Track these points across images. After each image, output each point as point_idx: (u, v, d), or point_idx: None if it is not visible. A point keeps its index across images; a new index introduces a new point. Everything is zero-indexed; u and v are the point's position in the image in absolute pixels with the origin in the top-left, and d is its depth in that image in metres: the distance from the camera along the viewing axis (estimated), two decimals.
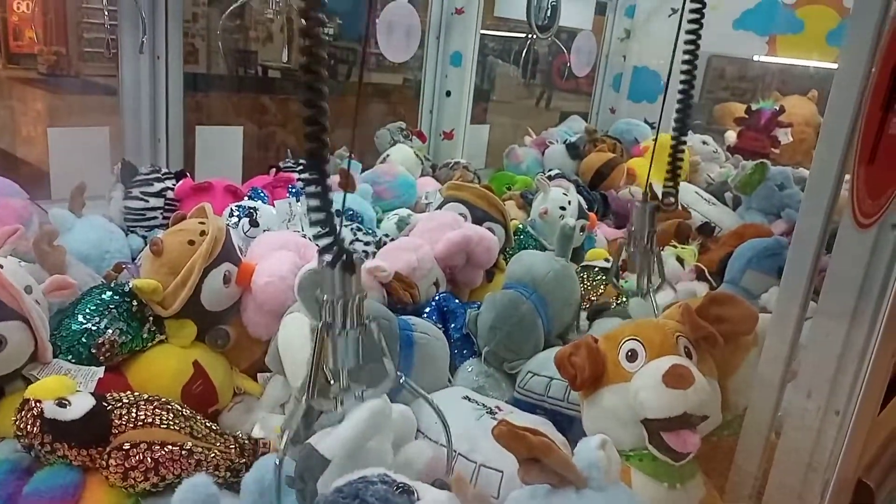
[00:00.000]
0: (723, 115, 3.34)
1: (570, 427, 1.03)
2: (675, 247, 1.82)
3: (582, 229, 1.81)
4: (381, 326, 1.04)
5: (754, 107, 2.71)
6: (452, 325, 1.32)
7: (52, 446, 0.83)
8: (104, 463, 0.84)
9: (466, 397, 1.04)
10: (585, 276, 1.63)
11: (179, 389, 1.06)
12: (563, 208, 1.77)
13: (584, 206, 1.84)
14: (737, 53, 3.05)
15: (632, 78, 3.25)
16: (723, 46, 3.00)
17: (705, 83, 3.52)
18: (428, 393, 1.07)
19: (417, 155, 2.37)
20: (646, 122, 2.98)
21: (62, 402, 0.84)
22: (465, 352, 1.29)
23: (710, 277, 1.66)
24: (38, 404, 0.83)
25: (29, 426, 0.82)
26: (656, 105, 3.19)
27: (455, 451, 0.90)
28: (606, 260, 1.72)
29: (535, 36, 2.68)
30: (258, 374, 1.19)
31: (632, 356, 0.84)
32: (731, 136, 2.78)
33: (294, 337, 1.02)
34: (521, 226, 1.74)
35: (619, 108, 3.30)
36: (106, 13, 1.78)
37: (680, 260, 1.79)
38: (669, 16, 3.01)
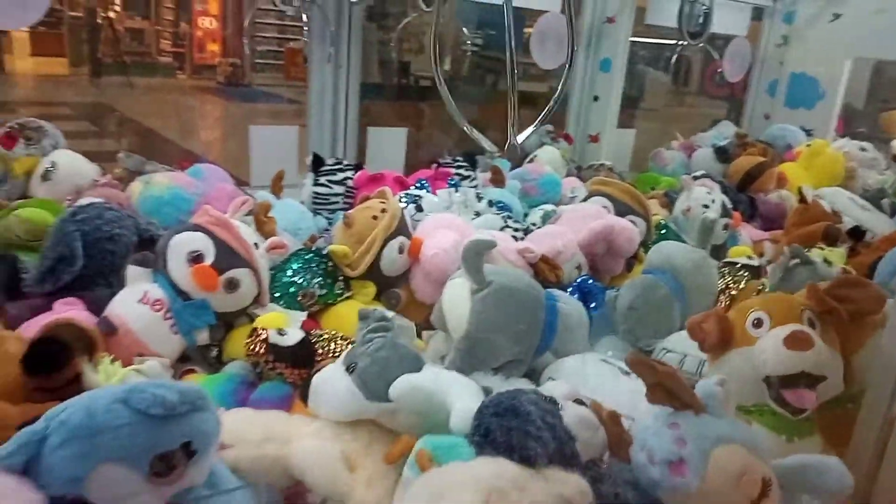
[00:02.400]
0: (890, 123, 3.18)
1: None
2: (822, 248, 1.82)
3: (725, 227, 1.86)
4: (531, 294, 1.21)
5: None
6: (592, 305, 1.45)
7: (273, 365, 1.06)
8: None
9: (604, 360, 1.17)
10: (727, 272, 1.68)
11: None
12: (706, 206, 1.84)
13: (729, 205, 1.90)
14: None
15: (788, 84, 3.18)
16: (892, 52, 2.88)
17: (872, 89, 3.36)
18: (569, 356, 1.23)
19: (563, 156, 2.51)
20: (803, 129, 2.92)
21: (281, 332, 1.07)
22: (602, 329, 1.42)
23: None
24: (264, 332, 1.07)
25: (257, 348, 1.06)
26: (814, 112, 3.10)
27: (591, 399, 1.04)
28: (749, 258, 1.76)
29: (685, 42, 2.73)
30: (423, 333, 1.38)
31: (757, 324, 0.94)
32: None
33: (457, 297, 1.20)
34: (663, 221, 1.83)
35: (775, 114, 3.24)
36: (305, 28, 2.08)
37: (828, 262, 1.80)
38: (831, 21, 2.93)
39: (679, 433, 0.72)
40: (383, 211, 1.33)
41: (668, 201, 2.03)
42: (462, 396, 0.86)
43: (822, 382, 0.89)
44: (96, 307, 1.12)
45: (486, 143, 1.72)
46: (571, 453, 0.71)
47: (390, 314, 1.03)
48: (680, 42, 2.76)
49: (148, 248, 1.22)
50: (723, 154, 2.43)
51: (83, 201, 1.24)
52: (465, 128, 1.71)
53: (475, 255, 1.16)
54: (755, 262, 1.72)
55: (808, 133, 2.84)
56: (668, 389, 0.74)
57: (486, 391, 0.94)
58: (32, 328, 1.05)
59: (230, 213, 1.23)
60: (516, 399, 0.73)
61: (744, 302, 1.00)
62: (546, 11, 2.50)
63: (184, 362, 1.17)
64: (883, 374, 0.92)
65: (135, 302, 1.10)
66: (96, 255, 1.15)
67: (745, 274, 1.66)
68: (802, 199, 2.01)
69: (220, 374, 1.11)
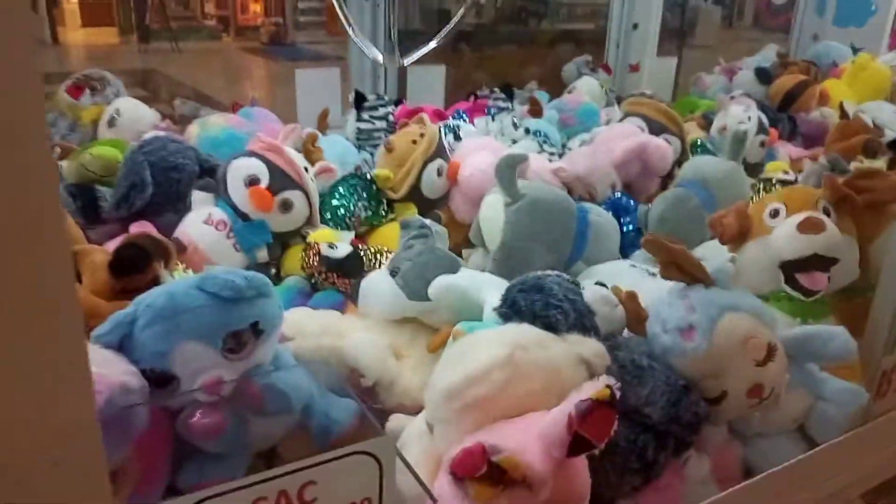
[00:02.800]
0: None
1: None
2: (861, 162, 1.82)
3: (762, 144, 1.88)
4: (563, 206, 1.28)
5: None
6: (626, 220, 1.50)
7: (326, 275, 1.17)
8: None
9: (633, 265, 1.24)
10: (762, 187, 1.71)
11: None
12: (741, 123, 1.85)
13: (766, 122, 1.90)
14: None
15: (838, 1, 3.08)
16: None
17: None
18: (599, 265, 1.30)
19: (602, 87, 2.52)
20: (852, 47, 2.85)
21: (332, 246, 1.18)
22: (635, 244, 1.47)
23: None
24: (317, 245, 1.17)
25: (311, 261, 1.17)
26: (865, 29, 3.01)
27: None
28: (785, 172, 1.78)
29: None
30: (462, 251, 1.47)
31: (774, 214, 0.99)
32: None
33: (492, 211, 1.28)
34: (698, 140, 1.85)
35: (823, 34, 3.15)
36: None
37: None
38: None
39: (689, 303, 0.79)
40: (421, 135, 1.41)
41: (706, 123, 2.04)
42: (495, 292, 0.95)
43: (834, 265, 0.94)
44: (166, 230, 1.24)
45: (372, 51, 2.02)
46: (591, 325, 0.79)
47: (429, 221, 1.12)
48: None
49: (208, 177, 1.33)
50: (764, 75, 2.40)
51: (149, 135, 1.35)
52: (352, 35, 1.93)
53: (508, 169, 1.23)
54: (791, 177, 1.74)
55: (856, 51, 2.76)
56: (679, 266, 0.81)
57: None
58: (110, 247, 1.18)
59: (281, 139, 1.33)
60: (541, 278, 0.81)
61: (763, 198, 1.05)
62: None
63: None
64: None
65: (201, 223, 1.22)
66: (163, 183, 1.26)
67: (780, 188, 1.69)
68: (843, 115, 2.00)
69: (279, 287, 1.22)
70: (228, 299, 0.79)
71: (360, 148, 1.89)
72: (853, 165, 1.78)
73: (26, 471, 0.42)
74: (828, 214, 0.98)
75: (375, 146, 1.89)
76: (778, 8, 3.11)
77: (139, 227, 1.21)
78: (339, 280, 1.17)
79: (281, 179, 1.24)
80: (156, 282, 0.97)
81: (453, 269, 1.02)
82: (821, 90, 2.25)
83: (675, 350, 0.78)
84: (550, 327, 0.74)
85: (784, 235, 0.95)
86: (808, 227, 0.92)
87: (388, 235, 1.40)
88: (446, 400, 0.66)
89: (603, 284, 0.90)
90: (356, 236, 1.36)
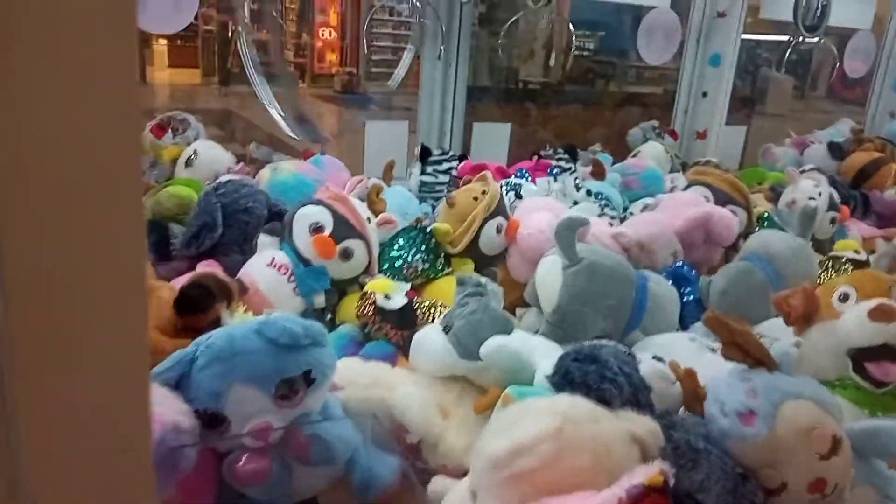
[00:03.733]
0: None
1: None
2: None
3: (833, 221, 1.82)
4: (622, 272, 1.26)
5: None
6: (686, 290, 1.47)
7: (380, 325, 1.18)
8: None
9: (693, 338, 1.21)
10: (831, 265, 1.65)
11: None
12: (811, 199, 1.80)
13: (837, 199, 1.85)
14: None
15: None
16: None
17: None
18: (656, 336, 1.27)
19: (668, 152, 2.50)
20: None
21: (388, 296, 1.19)
22: (695, 315, 1.44)
23: None
24: (373, 295, 1.19)
25: (367, 309, 1.19)
26: None
27: None
28: (856, 252, 1.72)
29: (801, 38, 2.65)
30: (516, 310, 1.46)
31: (844, 298, 0.96)
32: None
33: (549, 272, 1.27)
34: (766, 213, 1.81)
35: None
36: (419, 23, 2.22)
37: None
38: None
39: (750, 386, 0.76)
40: (483, 192, 1.42)
41: (774, 196, 2.00)
42: (547, 357, 0.94)
43: None
44: (231, 270, 1.28)
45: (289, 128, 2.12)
46: (646, 401, 0.77)
47: (484, 280, 1.12)
48: (795, 37, 2.68)
49: (276, 220, 1.37)
50: (837, 150, 2.35)
51: (223, 178, 1.41)
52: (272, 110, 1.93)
53: (568, 231, 1.23)
54: (862, 257, 1.67)
55: None
56: (742, 346, 0.78)
57: None
58: (178, 283, 1.22)
59: (348, 189, 1.36)
60: (596, 348, 0.80)
61: (831, 281, 1.01)
62: (654, 7, 2.52)
63: None
64: None
65: (264, 266, 1.25)
66: (233, 224, 1.31)
67: (849, 267, 1.63)
68: None
69: (333, 334, 1.24)
70: (285, 346, 0.81)
71: (422, 200, 1.92)
72: None
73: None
74: None
75: (437, 199, 1.92)
76: (853, 81, 3.04)
77: (206, 266, 1.25)
78: (392, 331, 1.18)
79: (344, 228, 1.27)
80: (217, 322, 0.99)
81: (507, 330, 1.02)
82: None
83: (733, 435, 0.75)
84: (604, 401, 0.72)
85: (854, 321, 0.91)
86: (880, 314, 0.88)
87: (444, 289, 1.41)
88: (492, 469, 0.65)
89: (660, 359, 0.88)
90: (412, 288, 1.37)
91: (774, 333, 1.28)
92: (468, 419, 0.98)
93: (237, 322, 0.99)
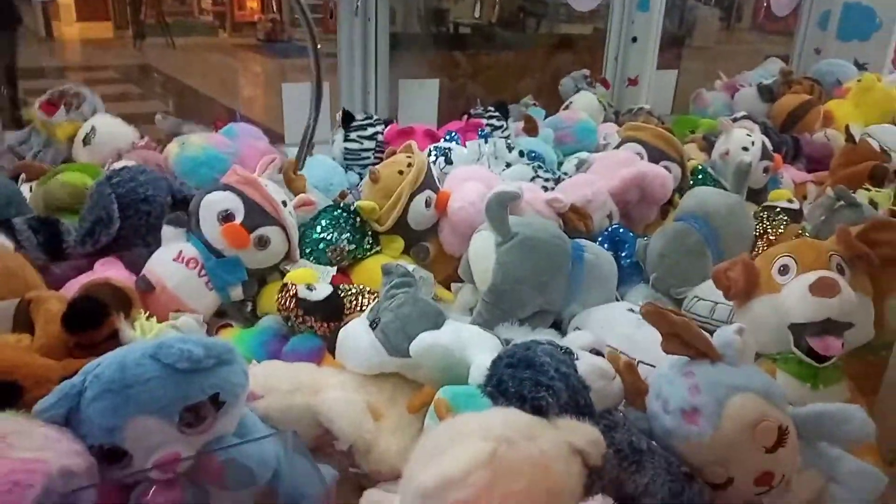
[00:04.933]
0: None
1: None
2: (868, 189, 1.75)
3: (766, 170, 1.81)
4: (556, 245, 1.21)
5: None
6: (623, 254, 1.43)
7: (303, 319, 1.09)
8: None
9: (630, 309, 1.17)
10: (766, 216, 1.64)
11: None
12: (745, 149, 1.78)
13: (770, 147, 1.83)
14: None
15: (841, 15, 3.01)
16: None
17: None
18: (596, 306, 1.23)
19: (601, 101, 2.45)
20: (855, 63, 2.78)
21: (310, 287, 1.10)
22: (633, 278, 1.40)
23: None
24: (293, 287, 1.10)
25: (287, 303, 1.10)
26: (869, 44, 2.94)
27: (617, 350, 1.04)
28: (790, 201, 1.71)
29: None
30: (452, 285, 1.40)
31: (784, 270, 0.92)
32: None
33: (482, 249, 1.21)
34: (700, 166, 1.78)
35: (826, 48, 3.08)
36: None
37: (874, 204, 1.73)
38: None
39: (693, 381, 0.72)
40: (409, 165, 1.33)
41: (707, 145, 1.97)
42: (481, 351, 0.88)
43: (849, 329, 0.87)
44: (134, 266, 1.17)
45: None
46: (585, 403, 0.72)
47: (412, 267, 1.05)
48: None
49: (181, 208, 1.25)
50: (767, 93, 2.34)
51: (117, 165, 1.27)
52: None
53: (499, 207, 1.16)
54: (795, 206, 1.67)
55: (861, 67, 2.70)
56: (683, 338, 0.74)
57: (507, 344, 0.95)
58: (74, 288, 1.10)
59: (258, 171, 1.25)
60: (530, 349, 0.74)
61: (770, 248, 0.98)
62: None
63: (220, 317, 1.21)
64: None
65: (170, 260, 1.14)
66: (132, 216, 1.19)
67: (785, 218, 1.62)
68: (849, 138, 1.93)
69: (254, 328, 1.15)
70: (185, 370, 0.72)
71: (347, 168, 1.82)
72: (860, 193, 1.72)
73: None
74: (841, 272, 0.91)
75: (364, 167, 1.82)
76: (769, 14, 3.03)
77: (105, 266, 1.14)
78: (318, 324, 1.10)
79: (257, 215, 1.16)
80: (115, 335, 0.89)
81: (438, 322, 0.95)
82: (825, 111, 2.19)
83: (677, 434, 0.71)
84: (540, 410, 0.66)
85: (795, 297, 0.88)
86: (821, 289, 0.85)
87: (374, 269, 1.32)
88: (421, 501, 0.59)
89: (599, 352, 0.82)
90: (339, 271, 1.28)
91: (713, 295, 1.26)
92: (402, 420, 0.92)
93: (135, 338, 0.89)
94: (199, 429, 0.74)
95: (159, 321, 1.11)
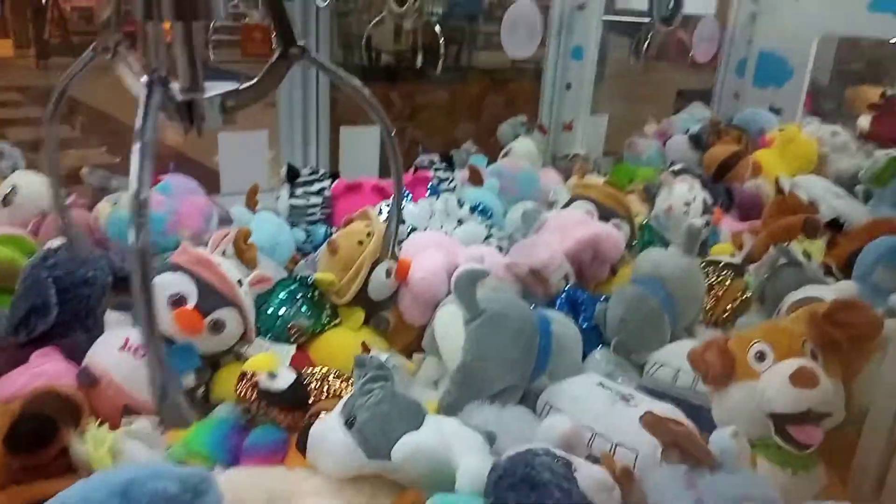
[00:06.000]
0: (855, 99, 3.21)
1: (697, 415, 1.12)
2: (800, 241, 1.83)
3: (707, 223, 1.87)
4: (525, 320, 1.19)
5: (890, 92, 2.62)
6: (582, 317, 1.43)
7: (266, 410, 1.03)
8: (305, 424, 1.03)
9: (601, 384, 1.16)
10: (710, 271, 1.68)
11: (352, 365, 1.24)
12: (687, 204, 1.83)
13: (709, 201, 1.90)
14: (872, 35, 2.93)
15: (757, 62, 3.18)
16: (856, 28, 2.90)
17: (837, 66, 3.39)
18: (564, 378, 1.21)
19: (538, 148, 2.49)
20: (771, 108, 2.94)
21: (272, 375, 1.03)
22: (593, 341, 1.41)
23: (836, 273, 1.68)
24: (253, 376, 1.03)
25: (247, 394, 1.03)
26: (783, 90, 3.11)
27: (593, 430, 1.03)
28: (732, 255, 1.77)
29: (656, 27, 2.70)
30: (412, 355, 1.36)
31: (760, 357, 0.93)
32: (865, 121, 2.68)
33: (449, 326, 1.17)
34: (645, 221, 1.82)
35: (744, 93, 3.24)
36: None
37: (807, 255, 1.81)
38: None
39: (697, 495, 0.71)
40: (369, 234, 1.29)
41: (648, 196, 2.03)
42: (467, 453, 0.85)
43: (828, 418, 0.89)
44: (74, 355, 1.07)
45: None
46: None
47: (385, 357, 1.00)
48: (652, 24, 2.72)
49: (123, 287, 1.16)
50: (697, 141, 2.43)
51: (53, 244, 1.17)
52: None
53: (468, 285, 1.13)
54: (737, 261, 1.72)
55: (777, 112, 2.85)
56: (682, 448, 0.73)
57: (490, 438, 0.93)
58: (9, 385, 1.00)
59: (210, 248, 1.18)
60: (530, 467, 0.71)
61: (744, 333, 0.99)
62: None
63: None
64: (884, 395, 0.92)
65: (116, 350, 1.05)
66: (71, 300, 1.09)
67: (729, 273, 1.67)
68: (780, 190, 2.02)
69: (210, 421, 1.07)
70: None
71: (293, 225, 1.75)
72: (794, 244, 1.80)
73: None
74: (815, 357, 0.93)
75: (311, 223, 1.76)
76: (692, 60, 3.17)
77: (42, 358, 1.03)
78: (281, 415, 1.03)
79: (211, 297, 1.09)
80: (65, 453, 0.80)
81: (417, 420, 0.91)
82: (753, 161, 2.28)
83: None
84: None
85: (775, 387, 0.89)
86: (801, 381, 0.86)
87: (334, 343, 1.28)
88: None
89: (595, 459, 0.80)
90: (297, 348, 1.22)
91: (675, 362, 1.27)
92: None
93: (87, 453, 0.80)
94: None
95: (105, 416, 1.02)
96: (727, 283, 1.65)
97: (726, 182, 2.26)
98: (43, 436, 0.78)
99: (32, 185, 1.60)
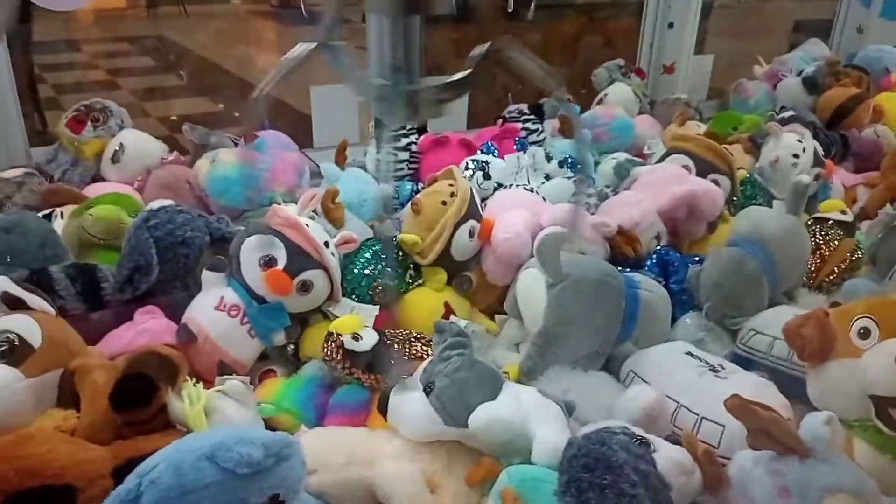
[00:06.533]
0: None
1: (792, 387, 1.06)
2: None
3: (816, 177, 1.73)
4: (610, 285, 1.16)
5: None
6: (673, 279, 1.38)
7: (350, 370, 1.06)
8: (385, 387, 1.06)
9: (689, 353, 1.12)
10: (818, 230, 1.56)
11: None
12: (796, 156, 1.70)
13: (821, 152, 1.75)
14: None
15: None
16: None
17: None
18: (651, 346, 1.18)
19: (635, 93, 2.36)
20: None
21: (356, 336, 1.06)
22: (685, 305, 1.35)
23: None
24: (339, 337, 1.06)
25: (333, 353, 1.06)
26: None
27: (678, 403, 1.00)
28: (843, 212, 1.63)
29: None
30: (495, 316, 1.35)
31: (864, 334, 0.87)
32: None
33: (532, 290, 1.16)
34: (748, 175, 1.71)
35: (869, 26, 2.94)
36: None
37: None
38: None
39: (782, 483, 0.67)
40: (452, 195, 1.28)
41: (754, 146, 1.89)
42: (544, 424, 0.84)
43: None
44: (174, 313, 1.14)
45: None
46: (666, 503, 0.68)
47: (464, 323, 1.00)
48: None
49: (220, 247, 1.22)
50: (812, 84, 2.23)
51: (154, 204, 1.23)
52: None
53: (551, 250, 1.10)
54: (849, 218, 1.59)
55: None
56: (771, 434, 0.69)
57: (569, 408, 0.92)
58: (115, 341, 1.08)
59: (299, 209, 1.20)
60: (605, 445, 0.69)
61: (847, 306, 0.92)
62: None
63: (262, 360, 1.18)
64: None
65: (212, 308, 1.11)
66: (171, 260, 1.16)
67: (839, 232, 1.54)
68: None
69: (298, 378, 1.12)
70: (244, 474, 0.68)
71: (380, 181, 1.76)
72: None
73: None
74: None
75: (398, 178, 1.77)
76: None
77: (145, 315, 1.10)
78: (364, 375, 1.06)
79: (299, 259, 1.12)
80: (164, 410, 0.86)
81: (495, 388, 0.91)
82: (875, 105, 2.08)
83: None
84: None
85: (879, 367, 0.82)
86: None
87: (417, 302, 1.29)
88: None
89: (676, 440, 0.78)
90: (381, 307, 1.24)
91: (771, 329, 1.20)
92: (460, 491, 0.88)
93: (184, 410, 0.86)
94: None
95: (201, 372, 1.09)
96: (835, 242, 1.53)
97: (842, 129, 2.07)
98: (144, 394, 0.84)
99: (139, 143, 1.69)
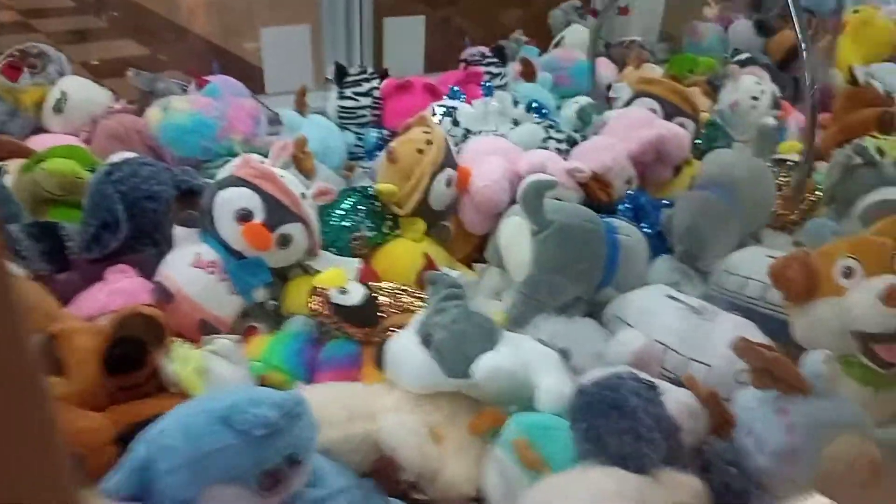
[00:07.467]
0: None
1: (767, 326, 1.11)
2: (875, 137, 1.74)
3: (775, 119, 1.77)
4: (592, 231, 1.16)
5: None
6: (644, 224, 1.40)
7: (339, 325, 1.04)
8: (377, 340, 1.05)
9: (670, 296, 1.14)
10: (778, 171, 1.61)
11: (414, 276, 1.24)
12: (755, 99, 1.73)
13: (778, 94, 1.79)
14: None
15: None
16: None
17: None
18: (630, 290, 1.20)
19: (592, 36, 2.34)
20: None
21: (343, 290, 1.04)
22: (657, 248, 1.38)
23: None
24: (325, 291, 1.04)
25: (320, 308, 1.04)
26: None
27: (665, 345, 1.02)
28: (800, 153, 1.68)
29: None
30: (474, 265, 1.35)
31: (847, 273, 0.90)
32: None
33: (515, 238, 1.16)
34: (711, 118, 1.73)
35: None
36: None
37: (881, 152, 1.72)
38: None
39: (789, 421, 0.70)
40: (428, 143, 1.25)
41: (712, 89, 1.92)
42: (546, 372, 0.85)
43: None
44: (146, 271, 1.09)
45: None
46: (678, 445, 0.70)
47: (457, 274, 0.99)
48: None
49: (187, 200, 1.16)
50: (763, 27, 2.27)
51: (115, 158, 1.16)
52: None
53: (535, 198, 1.10)
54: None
55: None
56: (774, 374, 0.72)
57: (565, 354, 0.93)
58: (87, 302, 1.02)
59: (271, 160, 1.15)
60: (615, 390, 0.71)
61: (829, 246, 0.95)
62: None
63: (244, 317, 1.15)
64: None
65: (187, 266, 1.06)
66: (138, 216, 1.09)
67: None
68: (853, 80, 1.90)
69: (285, 334, 1.09)
70: (261, 436, 0.67)
71: (342, 128, 1.71)
72: (867, 140, 1.70)
73: None
74: None
75: (361, 125, 1.72)
76: None
77: (117, 274, 1.05)
78: (354, 329, 1.04)
79: (277, 211, 1.08)
80: (155, 374, 0.83)
81: (493, 338, 0.91)
82: (823, 47, 2.13)
83: (776, 476, 0.70)
84: (643, 468, 0.64)
85: (864, 305, 0.86)
86: (893, 300, 0.83)
87: (396, 253, 1.27)
88: None
89: (678, 382, 0.80)
90: (361, 260, 1.22)
91: (743, 270, 1.24)
92: (463, 441, 0.89)
93: (175, 372, 0.82)
94: (276, 490, 0.70)
95: (181, 331, 1.05)
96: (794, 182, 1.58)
97: (793, 71, 2.12)
98: (136, 358, 0.80)
99: (83, 91, 1.58)
